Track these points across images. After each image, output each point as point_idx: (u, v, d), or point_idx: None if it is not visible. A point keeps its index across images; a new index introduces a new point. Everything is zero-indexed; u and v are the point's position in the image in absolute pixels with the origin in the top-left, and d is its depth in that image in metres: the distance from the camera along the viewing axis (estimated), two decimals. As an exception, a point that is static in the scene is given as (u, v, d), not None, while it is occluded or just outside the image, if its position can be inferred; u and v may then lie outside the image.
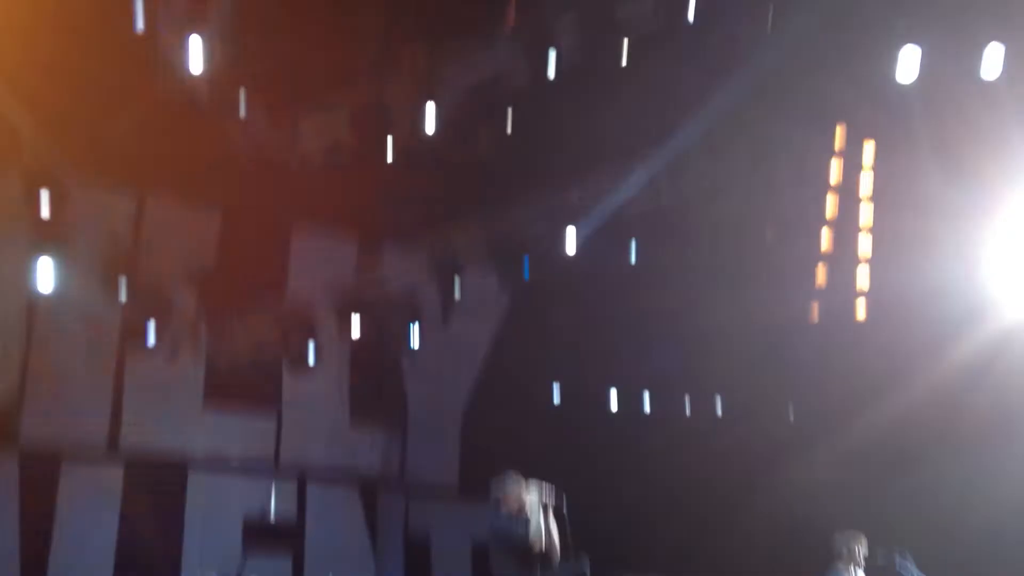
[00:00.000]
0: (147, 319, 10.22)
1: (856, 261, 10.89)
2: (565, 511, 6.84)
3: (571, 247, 11.15)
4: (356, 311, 11.07)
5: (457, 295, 11.52)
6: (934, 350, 9.85)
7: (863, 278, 10.87)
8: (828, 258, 11.10)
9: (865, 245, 10.91)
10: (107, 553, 10.21)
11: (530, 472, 11.44)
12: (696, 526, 11.66)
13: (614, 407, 12.64)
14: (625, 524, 11.59)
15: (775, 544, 11.02)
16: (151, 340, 10.32)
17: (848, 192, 10.97)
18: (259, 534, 10.57)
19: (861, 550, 8.08)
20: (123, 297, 9.73)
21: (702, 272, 11.26)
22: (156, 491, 10.62)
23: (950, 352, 9.82)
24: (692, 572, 10.71)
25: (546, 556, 6.74)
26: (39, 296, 9.85)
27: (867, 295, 10.84)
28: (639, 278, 11.68)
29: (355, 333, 11.32)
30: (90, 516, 10.16)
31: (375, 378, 12.33)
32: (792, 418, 11.55)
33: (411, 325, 11.34)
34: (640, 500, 12.00)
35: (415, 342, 11.39)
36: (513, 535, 6.67)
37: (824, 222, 11.08)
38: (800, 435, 11.22)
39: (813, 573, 8.16)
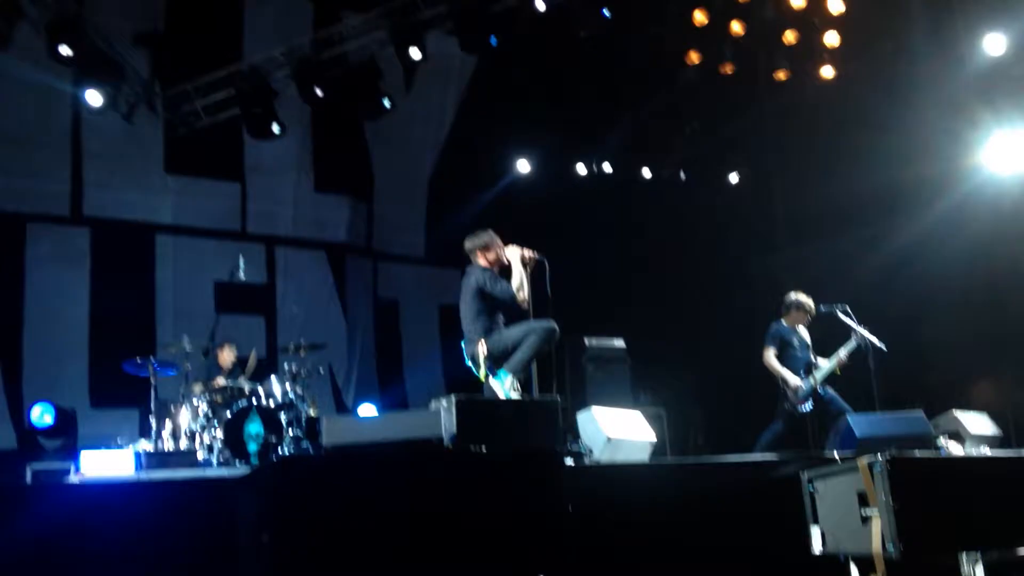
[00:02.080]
0: (100, 81, 9.91)
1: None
2: (546, 268, 7.03)
3: (539, 5, 10.77)
4: (316, 74, 10.78)
5: (420, 58, 11.20)
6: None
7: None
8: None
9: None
10: (80, 315, 10.52)
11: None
12: (656, 288, 12.10)
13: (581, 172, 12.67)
14: (590, 288, 11.98)
15: (734, 304, 11.50)
16: (106, 103, 10.06)
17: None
18: (230, 296, 10.81)
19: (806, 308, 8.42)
20: (71, 54, 9.35)
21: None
22: (124, 255, 10.82)
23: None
24: (653, 337, 11.21)
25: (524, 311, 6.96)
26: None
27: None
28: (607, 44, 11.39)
29: (316, 100, 11.09)
30: (60, 278, 10.38)
31: (339, 144, 12.25)
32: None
33: (374, 89, 11.08)
34: (603, 263, 12.37)
35: (378, 106, 11.18)
36: (496, 288, 6.83)
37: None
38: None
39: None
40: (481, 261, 7.03)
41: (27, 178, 10.31)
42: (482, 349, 6.81)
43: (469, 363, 6.99)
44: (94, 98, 9.96)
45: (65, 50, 9.47)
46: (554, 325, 6.89)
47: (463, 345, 7.05)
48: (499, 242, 7.09)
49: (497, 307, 7.01)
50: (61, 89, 10.35)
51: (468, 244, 7.13)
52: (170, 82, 11.03)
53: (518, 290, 6.93)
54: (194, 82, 10.99)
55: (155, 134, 11.13)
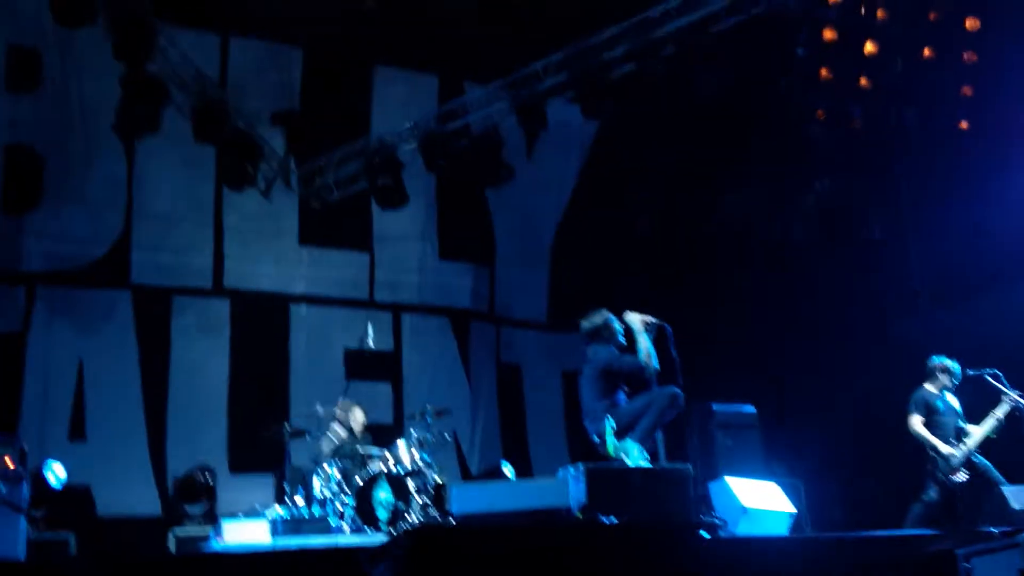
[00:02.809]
0: (241, 160, 10.46)
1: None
2: (667, 333, 6.97)
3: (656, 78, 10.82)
4: (440, 146, 11.09)
5: (542, 128, 11.39)
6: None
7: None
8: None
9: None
10: (220, 383, 10.95)
11: (617, 302, 11.68)
12: (789, 353, 11.72)
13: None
14: (713, 354, 11.72)
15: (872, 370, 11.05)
16: (246, 180, 10.60)
17: None
18: (359, 363, 11.05)
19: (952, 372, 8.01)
20: (214, 136, 9.95)
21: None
22: (261, 324, 11.25)
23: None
24: (786, 404, 10.87)
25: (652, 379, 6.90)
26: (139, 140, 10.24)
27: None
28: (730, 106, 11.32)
29: (441, 170, 11.40)
30: (202, 348, 10.86)
31: (462, 212, 12.50)
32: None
33: (496, 158, 11.30)
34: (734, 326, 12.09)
35: (501, 175, 11.40)
36: (624, 364, 6.84)
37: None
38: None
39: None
40: (601, 341, 6.95)
41: (172, 253, 10.90)
42: (609, 425, 6.75)
43: (595, 438, 6.92)
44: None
45: (208, 132, 10.07)
46: (677, 391, 6.78)
47: (586, 423, 7.01)
48: (612, 317, 7.02)
49: (622, 381, 6.97)
50: (204, 168, 11.00)
51: (585, 325, 7.14)
52: (304, 158, 11.53)
53: (645, 362, 6.86)
54: (326, 157, 11.46)
55: (290, 208, 11.62)
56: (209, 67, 10.81)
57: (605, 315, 7.19)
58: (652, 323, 7.08)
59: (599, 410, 6.90)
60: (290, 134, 11.48)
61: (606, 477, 6.81)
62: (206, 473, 9.50)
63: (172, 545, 8.51)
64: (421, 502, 8.53)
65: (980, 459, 7.71)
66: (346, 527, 8.22)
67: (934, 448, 7.75)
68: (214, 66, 11.03)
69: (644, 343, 6.98)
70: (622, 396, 7.03)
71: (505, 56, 11.56)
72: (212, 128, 9.99)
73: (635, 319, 7.09)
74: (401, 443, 8.97)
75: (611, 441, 6.83)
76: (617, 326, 7.17)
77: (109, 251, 10.58)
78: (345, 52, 11.55)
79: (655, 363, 6.95)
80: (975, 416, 8.00)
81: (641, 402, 6.86)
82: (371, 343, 9.71)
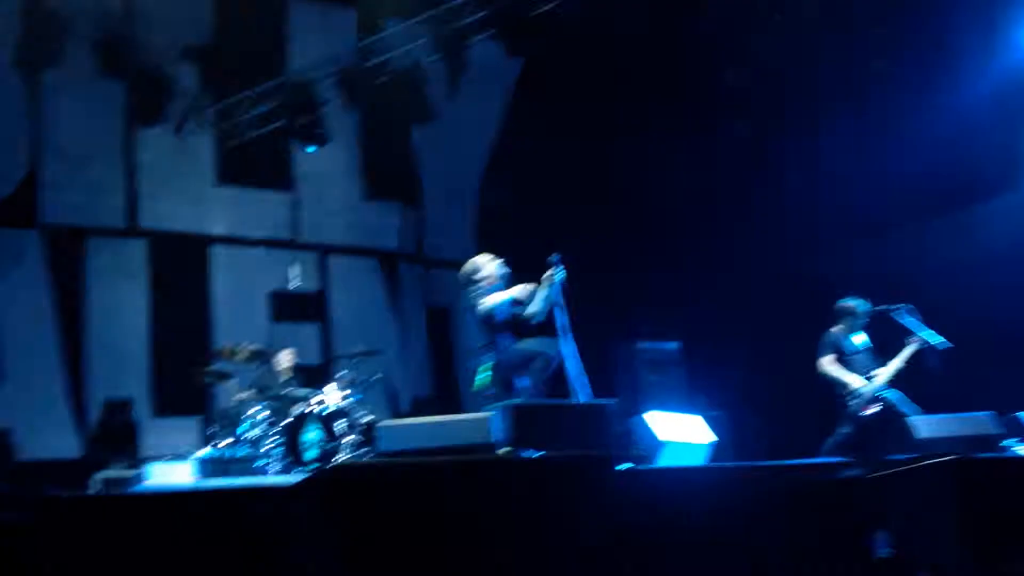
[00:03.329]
0: (151, 96, 10.09)
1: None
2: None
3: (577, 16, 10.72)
4: (361, 82, 10.86)
5: (464, 65, 11.26)
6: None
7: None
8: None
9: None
10: (140, 326, 10.70)
11: (549, 236, 11.70)
12: (711, 290, 11.93)
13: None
14: (638, 292, 11.87)
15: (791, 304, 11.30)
16: (157, 117, 10.26)
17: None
18: (285, 305, 10.92)
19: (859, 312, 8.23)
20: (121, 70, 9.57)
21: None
22: (179, 267, 10.99)
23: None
24: (709, 340, 11.08)
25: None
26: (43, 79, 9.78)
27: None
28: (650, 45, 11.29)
29: (363, 107, 11.19)
30: (119, 289, 10.57)
31: (386, 152, 12.32)
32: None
33: (419, 96, 11.14)
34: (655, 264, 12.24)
35: (425, 112, 11.25)
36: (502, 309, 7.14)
37: None
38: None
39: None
40: (473, 286, 7.28)
41: (83, 192, 10.51)
42: (481, 365, 7.09)
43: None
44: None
45: (115, 67, 9.68)
46: (550, 355, 7.00)
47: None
48: (489, 261, 7.34)
49: (501, 329, 7.08)
50: (113, 104, 10.58)
51: (462, 273, 7.36)
52: (219, 95, 11.18)
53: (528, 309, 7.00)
54: (242, 95, 11.13)
55: (206, 146, 11.29)
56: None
57: (474, 264, 7.40)
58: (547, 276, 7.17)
59: (476, 351, 7.19)
60: (203, 70, 11.09)
61: (530, 413, 6.90)
62: (127, 411, 9.38)
63: (96, 488, 8.39)
64: (351, 441, 8.54)
65: (890, 392, 7.99)
66: (274, 467, 8.20)
67: (845, 384, 8.01)
68: (118, -1, 10.56)
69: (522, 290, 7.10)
70: (505, 340, 7.20)
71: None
72: (118, 62, 9.62)
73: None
74: (331, 384, 8.96)
75: (479, 379, 7.04)
76: (493, 272, 7.24)
77: (15, 190, 10.15)
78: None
79: (540, 316, 7.12)
80: (888, 349, 8.27)
81: (518, 356, 7.08)
82: (297, 284, 9.59)
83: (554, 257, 7.40)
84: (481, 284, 7.35)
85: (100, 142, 10.67)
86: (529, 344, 7.24)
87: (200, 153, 11.27)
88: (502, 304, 7.19)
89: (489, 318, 7.22)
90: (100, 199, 10.63)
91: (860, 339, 8.33)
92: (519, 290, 7.28)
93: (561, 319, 7.21)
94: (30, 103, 10.22)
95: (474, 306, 7.26)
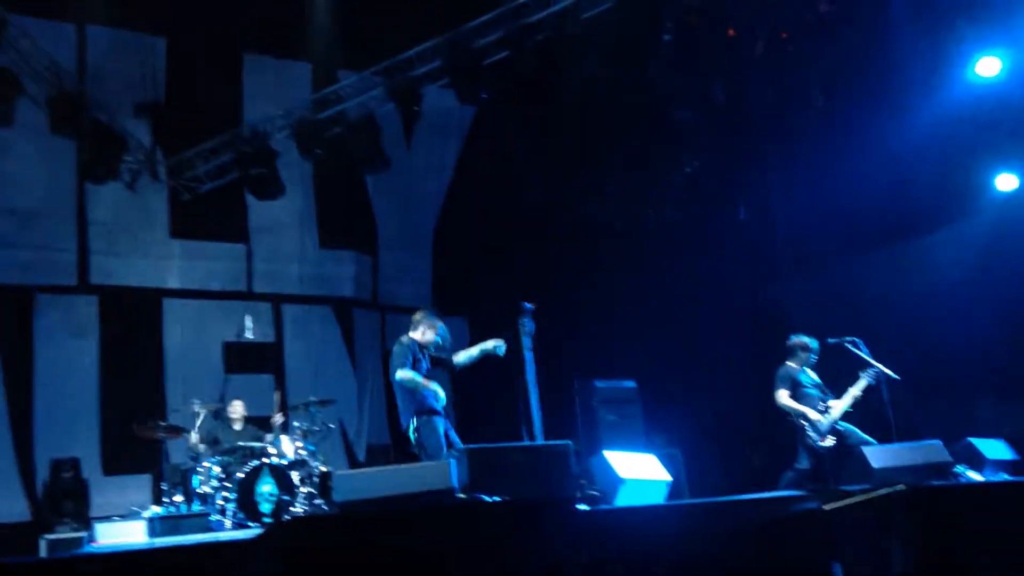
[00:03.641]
0: (103, 152, 10.05)
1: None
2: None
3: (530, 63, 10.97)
4: (315, 133, 10.94)
5: (418, 115, 11.38)
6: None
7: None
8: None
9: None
10: (90, 382, 10.55)
11: (503, 284, 11.77)
12: (665, 329, 12.06)
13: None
14: (594, 331, 11.97)
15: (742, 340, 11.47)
16: (109, 173, 10.20)
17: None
18: (239, 356, 10.82)
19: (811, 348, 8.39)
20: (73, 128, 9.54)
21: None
22: (132, 321, 10.88)
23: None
24: (664, 377, 11.18)
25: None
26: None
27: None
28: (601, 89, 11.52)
29: (317, 158, 11.24)
30: (69, 347, 10.43)
31: (342, 200, 12.36)
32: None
33: (374, 145, 11.22)
34: (610, 305, 12.36)
35: (379, 161, 11.32)
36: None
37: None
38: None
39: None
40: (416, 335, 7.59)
41: (34, 249, 10.40)
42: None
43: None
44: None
45: (66, 125, 9.64)
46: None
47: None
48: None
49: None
50: (65, 161, 10.53)
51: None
52: (172, 149, 11.19)
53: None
54: (196, 148, 11.14)
55: (159, 200, 11.26)
56: (66, 58, 10.35)
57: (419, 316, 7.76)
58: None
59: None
60: (156, 125, 11.09)
61: (487, 457, 6.90)
62: (75, 471, 9.18)
63: (44, 551, 8.19)
64: (306, 492, 8.44)
65: (844, 425, 8.12)
66: (228, 523, 8.07)
67: (803, 416, 8.12)
68: (71, 57, 10.56)
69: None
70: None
71: (379, 43, 11.50)
72: (70, 120, 9.57)
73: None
74: (284, 436, 8.88)
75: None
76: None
77: (-37, 251, 10.04)
78: (211, 40, 11.21)
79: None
80: (837, 381, 8.41)
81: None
82: (250, 334, 9.54)
83: (526, 306, 7.57)
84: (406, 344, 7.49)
85: (51, 199, 10.60)
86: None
87: (153, 207, 11.24)
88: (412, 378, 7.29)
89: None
90: (51, 256, 10.51)
91: (812, 373, 8.47)
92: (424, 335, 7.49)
93: (529, 368, 7.36)
94: (-21, 161, 10.16)
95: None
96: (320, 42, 11.78)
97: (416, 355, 7.39)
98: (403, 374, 7.22)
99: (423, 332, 7.56)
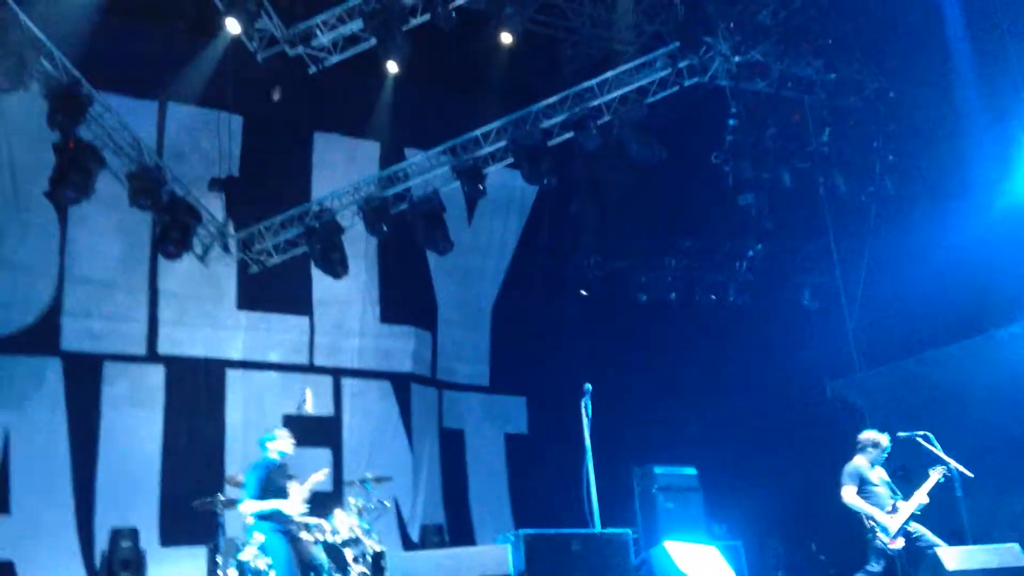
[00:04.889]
0: (177, 225, 10.32)
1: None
2: None
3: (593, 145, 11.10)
4: (381, 210, 11.14)
5: (482, 193, 11.53)
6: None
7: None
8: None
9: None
10: (153, 452, 10.66)
11: (559, 364, 11.69)
12: (727, 415, 11.83)
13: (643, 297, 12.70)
14: (655, 417, 11.79)
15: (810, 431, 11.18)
16: (183, 246, 10.46)
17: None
18: (298, 429, 10.83)
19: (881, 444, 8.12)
20: (150, 201, 9.85)
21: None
22: (196, 391, 11.03)
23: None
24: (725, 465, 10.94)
25: None
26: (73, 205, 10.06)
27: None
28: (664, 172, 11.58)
29: (382, 234, 11.41)
30: (134, 416, 10.59)
31: (404, 276, 12.49)
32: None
33: (437, 222, 11.37)
34: (672, 390, 12.20)
35: (442, 239, 11.45)
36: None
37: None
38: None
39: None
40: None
41: (105, 319, 10.67)
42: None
43: None
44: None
45: (144, 198, 9.95)
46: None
47: None
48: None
49: None
50: (139, 234, 10.85)
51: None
52: (243, 223, 11.47)
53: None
54: (266, 222, 11.41)
55: (228, 273, 11.51)
56: (146, 133, 10.75)
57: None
58: None
59: None
60: (229, 199, 11.40)
61: (545, 543, 6.77)
62: (134, 540, 9.22)
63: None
64: (359, 572, 8.33)
65: (915, 525, 7.78)
66: (281, 600, 7.96)
67: (871, 517, 7.80)
68: (151, 132, 10.98)
69: None
70: None
71: (446, 123, 11.76)
72: (147, 194, 9.87)
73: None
74: (339, 511, 8.82)
75: None
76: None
77: (39, 318, 10.32)
78: (285, 119, 11.58)
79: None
80: (911, 475, 8.09)
81: None
82: (309, 408, 9.58)
83: (586, 387, 7.50)
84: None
85: (124, 270, 10.91)
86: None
87: (222, 279, 11.49)
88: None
89: None
90: (121, 326, 10.77)
91: (881, 471, 8.16)
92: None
93: (588, 452, 7.28)
94: (60, 233, 10.51)
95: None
96: (388, 121, 12.14)
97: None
98: None
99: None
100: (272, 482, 7.46)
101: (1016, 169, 10.21)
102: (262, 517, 7.34)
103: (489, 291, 13.22)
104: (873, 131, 10.94)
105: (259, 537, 7.30)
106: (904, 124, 10.95)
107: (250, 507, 7.32)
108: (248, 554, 8.33)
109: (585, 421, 7.66)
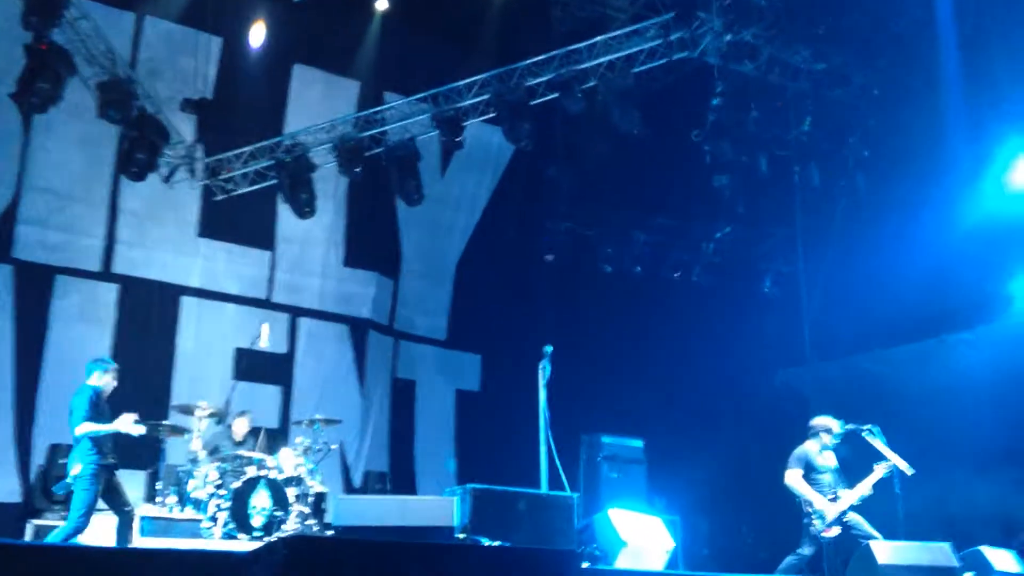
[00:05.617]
0: (144, 143, 10.06)
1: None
2: None
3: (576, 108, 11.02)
4: (355, 151, 10.96)
5: (458, 146, 11.40)
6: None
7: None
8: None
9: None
10: (99, 371, 10.43)
11: (517, 326, 11.68)
12: (678, 391, 11.95)
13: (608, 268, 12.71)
14: (606, 385, 11.86)
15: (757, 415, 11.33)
16: (148, 165, 10.20)
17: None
18: (249, 364, 10.73)
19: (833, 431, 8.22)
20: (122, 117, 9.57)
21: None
22: (149, 314, 10.82)
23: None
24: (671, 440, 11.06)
25: None
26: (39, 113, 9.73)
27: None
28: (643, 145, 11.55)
29: (355, 175, 11.24)
30: (83, 333, 10.35)
31: (371, 221, 12.35)
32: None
33: (411, 170, 11.23)
34: (625, 361, 12.27)
35: (413, 187, 11.32)
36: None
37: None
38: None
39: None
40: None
41: (61, 231, 10.38)
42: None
43: None
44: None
45: (113, 111, 9.67)
46: None
47: None
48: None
49: None
50: (105, 148, 10.56)
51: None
52: (213, 148, 11.21)
53: None
54: (237, 150, 11.17)
55: (192, 198, 11.25)
56: (121, 45, 10.42)
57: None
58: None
59: None
60: (200, 122, 11.13)
61: (492, 499, 6.81)
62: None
63: (29, 535, 8.06)
64: (299, 511, 8.30)
65: (853, 516, 7.92)
66: (217, 532, 7.92)
67: (810, 503, 7.92)
68: (126, 45, 10.63)
69: None
70: None
71: (429, 70, 11.58)
72: (117, 106, 9.60)
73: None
74: (285, 449, 8.76)
75: None
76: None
77: (-6, 222, 10.03)
78: (265, 46, 11.30)
79: None
80: (850, 467, 8.24)
81: None
82: (264, 344, 9.47)
83: (546, 349, 7.53)
84: None
85: (85, 183, 10.59)
86: None
87: (185, 204, 11.21)
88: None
89: None
90: (77, 240, 10.49)
91: (829, 457, 8.29)
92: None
93: (544, 414, 7.30)
94: (23, 136, 10.17)
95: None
96: (371, 61, 11.93)
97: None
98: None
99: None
100: (100, 408, 7.27)
101: (986, 183, 10.35)
102: (94, 441, 7.13)
103: (456, 246, 13.11)
104: (853, 125, 11.00)
105: (78, 467, 7.07)
106: (884, 123, 11.02)
107: (85, 428, 7.11)
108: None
109: (542, 382, 7.70)
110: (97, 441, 7.12)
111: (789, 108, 11.25)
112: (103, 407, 7.32)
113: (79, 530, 6.86)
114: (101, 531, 7.26)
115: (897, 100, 10.97)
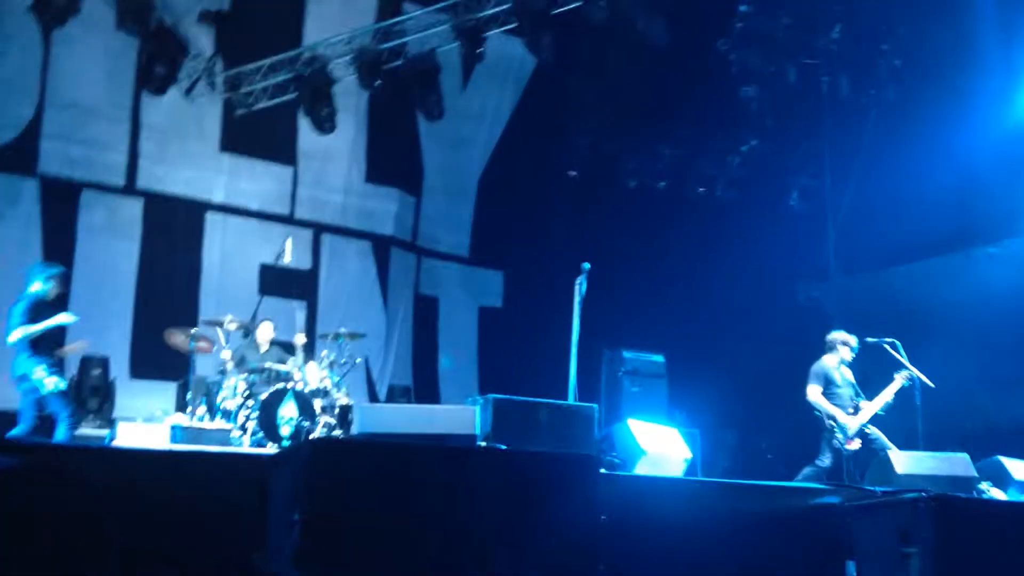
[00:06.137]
0: (164, 55, 9.99)
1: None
2: None
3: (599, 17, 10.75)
4: (375, 64, 10.82)
5: (479, 58, 11.21)
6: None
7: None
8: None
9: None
10: (127, 285, 10.62)
11: (540, 242, 11.63)
12: (700, 307, 11.94)
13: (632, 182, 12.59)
14: (628, 300, 11.87)
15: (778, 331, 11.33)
16: (168, 79, 10.15)
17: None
18: (274, 279, 10.84)
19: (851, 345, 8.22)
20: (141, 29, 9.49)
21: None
22: (174, 229, 10.91)
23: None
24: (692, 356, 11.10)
25: None
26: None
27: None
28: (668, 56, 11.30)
29: (374, 89, 11.12)
30: (110, 247, 10.48)
31: (392, 136, 12.26)
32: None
33: (431, 84, 11.09)
34: (649, 276, 12.26)
35: (434, 101, 11.19)
36: None
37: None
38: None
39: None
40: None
41: (85, 146, 10.42)
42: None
43: None
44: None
45: (132, 23, 9.58)
46: None
47: None
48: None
49: None
50: (125, 61, 10.50)
51: None
52: (232, 62, 11.11)
53: None
54: (255, 63, 11.06)
55: (213, 112, 11.21)
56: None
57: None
58: None
59: None
60: (219, 34, 11.02)
61: (513, 409, 6.90)
62: (104, 369, 9.30)
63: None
64: (326, 422, 8.48)
65: (872, 428, 7.99)
66: (246, 441, 8.13)
67: (832, 417, 7.98)
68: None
69: None
70: None
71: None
72: (136, 17, 9.50)
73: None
74: (311, 363, 8.90)
75: None
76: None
77: (18, 136, 10.05)
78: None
79: None
80: (870, 381, 8.28)
81: None
82: (288, 259, 9.55)
83: (585, 266, 7.56)
84: None
85: (107, 97, 10.58)
86: None
87: (206, 119, 11.19)
88: None
89: None
90: (101, 155, 10.53)
91: (847, 372, 8.32)
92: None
93: (575, 330, 7.35)
94: (43, 50, 10.13)
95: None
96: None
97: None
98: None
99: None
100: (41, 314, 7.33)
101: (1019, 95, 10.09)
102: (33, 344, 7.21)
103: (478, 161, 13.02)
104: (884, 33, 10.67)
105: (40, 373, 7.22)
106: (916, 31, 10.68)
107: (16, 334, 7.18)
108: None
109: (577, 299, 7.73)
110: (35, 343, 7.24)
111: (818, 15, 10.91)
112: (46, 313, 7.39)
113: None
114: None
115: (930, 8, 10.62)
